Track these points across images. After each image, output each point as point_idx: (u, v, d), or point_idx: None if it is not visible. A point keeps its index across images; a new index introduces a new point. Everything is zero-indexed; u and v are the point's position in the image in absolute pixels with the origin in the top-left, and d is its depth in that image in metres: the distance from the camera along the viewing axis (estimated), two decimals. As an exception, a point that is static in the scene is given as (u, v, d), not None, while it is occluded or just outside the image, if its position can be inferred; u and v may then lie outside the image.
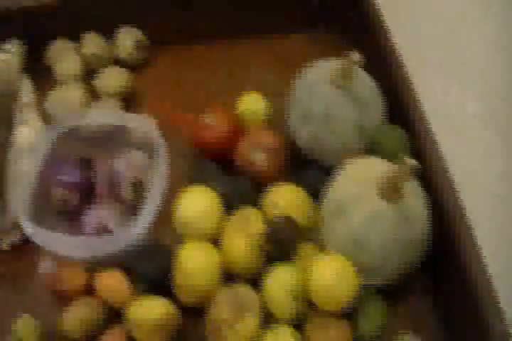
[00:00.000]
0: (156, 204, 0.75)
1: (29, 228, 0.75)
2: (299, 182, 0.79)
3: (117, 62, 1.04)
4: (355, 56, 0.78)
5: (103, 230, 0.76)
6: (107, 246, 0.73)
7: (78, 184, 0.82)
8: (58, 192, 0.81)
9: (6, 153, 0.89)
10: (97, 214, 0.78)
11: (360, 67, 0.82)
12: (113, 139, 0.88)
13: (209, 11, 1.03)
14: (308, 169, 0.82)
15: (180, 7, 1.02)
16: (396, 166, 0.68)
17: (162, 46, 1.06)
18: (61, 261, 0.77)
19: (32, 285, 0.80)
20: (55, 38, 1.05)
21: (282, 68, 1.02)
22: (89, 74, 1.02)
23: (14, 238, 0.82)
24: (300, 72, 0.88)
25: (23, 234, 0.81)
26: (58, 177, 0.82)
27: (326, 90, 0.81)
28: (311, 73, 0.86)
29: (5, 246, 0.81)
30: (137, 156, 0.83)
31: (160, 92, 1.01)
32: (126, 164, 0.82)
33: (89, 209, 0.80)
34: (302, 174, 0.81)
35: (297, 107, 0.84)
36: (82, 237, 0.76)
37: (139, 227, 0.73)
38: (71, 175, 0.82)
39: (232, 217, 0.76)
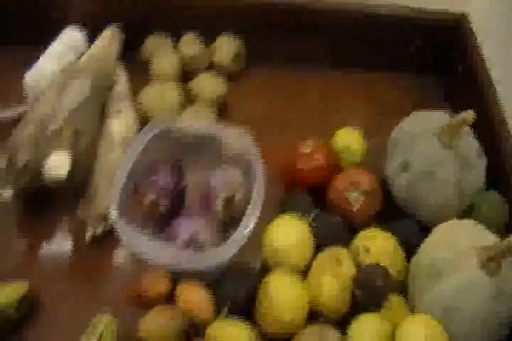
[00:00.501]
0: (251, 227, 0.75)
1: (118, 223, 0.74)
2: (390, 231, 0.79)
3: (211, 68, 1.03)
4: (469, 115, 0.78)
5: (194, 244, 0.75)
6: (198, 262, 0.72)
7: (170, 190, 0.81)
8: (148, 194, 0.80)
9: (97, 142, 0.88)
10: (189, 226, 0.77)
11: (468, 126, 0.82)
12: (204, 149, 0.88)
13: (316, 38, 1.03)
14: (401, 220, 0.82)
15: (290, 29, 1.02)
16: (499, 239, 0.69)
17: (260, 62, 1.04)
18: (143, 265, 0.77)
19: (111, 282, 0.79)
20: (152, 31, 1.04)
21: (380, 107, 1.02)
22: (184, 75, 1.01)
23: (98, 230, 0.81)
24: (401, 116, 0.88)
25: (106, 227, 0.81)
26: (151, 179, 0.81)
27: (431, 144, 0.81)
28: (415, 122, 0.86)
29: (87, 238, 0.81)
30: (233, 173, 0.82)
31: (248, 107, 1.00)
32: (221, 179, 0.81)
33: (179, 218, 0.80)
34: (394, 224, 0.81)
35: (396, 155, 0.84)
36: (173, 248, 0.75)
37: (233, 248, 0.73)
38: (164, 179, 0.81)
39: (321, 254, 0.76)
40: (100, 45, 0.99)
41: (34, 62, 0.96)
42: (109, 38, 1.01)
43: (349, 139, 0.90)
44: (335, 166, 0.86)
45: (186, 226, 0.77)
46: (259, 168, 0.80)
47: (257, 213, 0.76)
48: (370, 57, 1.05)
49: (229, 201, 0.80)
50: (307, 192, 0.84)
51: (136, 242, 0.74)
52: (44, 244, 0.82)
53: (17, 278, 0.75)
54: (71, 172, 0.80)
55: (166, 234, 0.78)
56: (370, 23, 1.03)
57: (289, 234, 0.76)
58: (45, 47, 0.99)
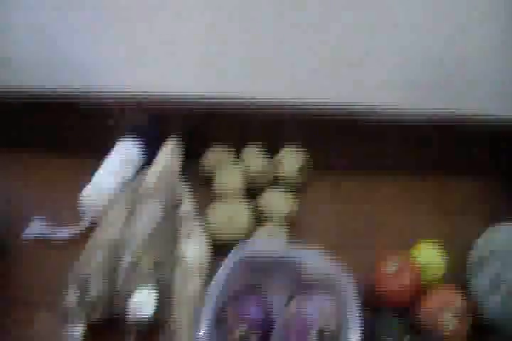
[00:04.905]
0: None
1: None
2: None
3: (275, 181, 1.00)
4: None
5: None
6: None
7: (260, 321, 0.77)
8: (238, 326, 0.76)
9: (170, 269, 0.84)
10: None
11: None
12: (283, 272, 0.84)
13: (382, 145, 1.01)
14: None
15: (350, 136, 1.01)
16: None
17: (323, 171, 1.02)
18: None
19: None
20: (211, 141, 1.03)
21: (447, 213, 0.99)
22: (249, 190, 0.98)
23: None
24: (483, 229, 0.86)
25: None
26: (241, 311, 0.77)
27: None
28: (500, 238, 0.84)
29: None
30: (324, 300, 0.78)
31: (316, 221, 0.97)
32: (313, 307, 0.77)
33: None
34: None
35: (484, 272, 0.81)
36: None
37: None
38: (255, 310, 0.77)
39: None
40: (164, 160, 0.97)
41: (89, 177, 0.94)
42: (172, 152, 0.98)
43: (430, 255, 0.87)
44: (421, 284, 0.83)
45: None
46: (351, 292, 0.75)
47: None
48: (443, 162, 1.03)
49: (322, 334, 0.76)
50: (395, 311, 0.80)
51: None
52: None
53: None
54: (157, 310, 0.76)
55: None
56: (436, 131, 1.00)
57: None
58: (100, 161, 0.97)
